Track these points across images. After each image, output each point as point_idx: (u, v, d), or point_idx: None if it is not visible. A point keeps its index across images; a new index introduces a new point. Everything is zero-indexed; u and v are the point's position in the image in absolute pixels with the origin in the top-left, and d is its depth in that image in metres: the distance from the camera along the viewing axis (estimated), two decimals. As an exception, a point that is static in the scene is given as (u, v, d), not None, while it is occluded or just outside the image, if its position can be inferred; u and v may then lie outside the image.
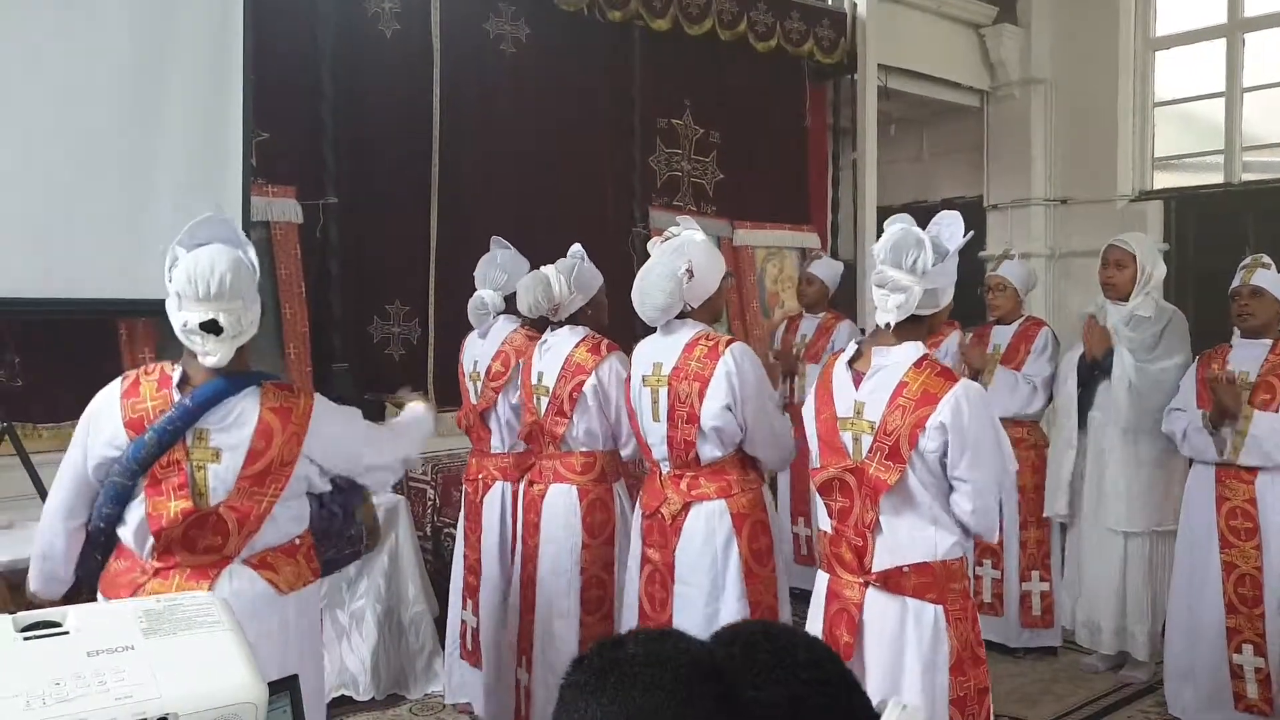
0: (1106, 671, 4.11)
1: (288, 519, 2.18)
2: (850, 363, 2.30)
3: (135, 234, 3.46)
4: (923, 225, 2.26)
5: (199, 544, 2.09)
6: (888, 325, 2.21)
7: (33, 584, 2.24)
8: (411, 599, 3.80)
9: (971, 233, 2.23)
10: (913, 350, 2.20)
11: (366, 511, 2.51)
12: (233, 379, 2.11)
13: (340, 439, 2.24)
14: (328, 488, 2.29)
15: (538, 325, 3.34)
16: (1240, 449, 3.34)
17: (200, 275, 2.02)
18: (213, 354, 2.06)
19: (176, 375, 2.12)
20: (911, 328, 2.22)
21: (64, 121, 3.33)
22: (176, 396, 2.09)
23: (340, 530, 2.40)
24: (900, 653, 2.20)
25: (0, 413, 3.27)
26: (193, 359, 2.10)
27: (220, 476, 2.08)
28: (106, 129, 3.43)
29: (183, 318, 2.05)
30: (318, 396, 2.22)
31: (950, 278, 2.23)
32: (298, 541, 2.21)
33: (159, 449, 2.06)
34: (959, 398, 2.12)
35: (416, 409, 2.69)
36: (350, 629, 3.69)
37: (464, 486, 3.60)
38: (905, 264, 2.15)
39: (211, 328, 2.04)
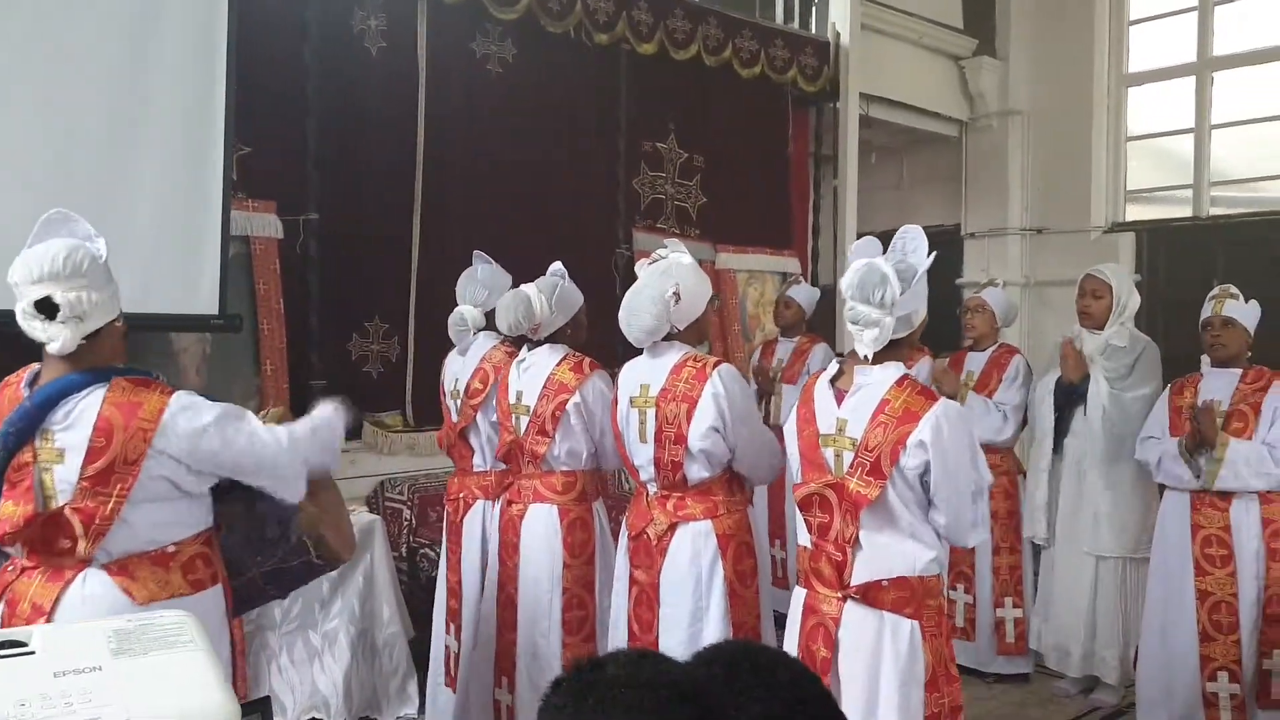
0: (1078, 695, 4.14)
1: (151, 524, 2.06)
2: (832, 381, 2.35)
3: (111, 249, 3.41)
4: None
5: (54, 546, 2.02)
6: (867, 358, 2.26)
7: None
8: (386, 620, 3.76)
9: (934, 253, 2.27)
10: (894, 369, 2.27)
11: (306, 521, 2.33)
12: (82, 375, 2.01)
13: (205, 437, 2.05)
14: (205, 487, 2.14)
15: (518, 342, 3.33)
16: (1216, 476, 3.38)
17: (34, 259, 1.96)
18: (55, 339, 1.96)
19: (28, 375, 2.06)
20: (889, 351, 2.27)
21: (40, 132, 3.29)
22: (25, 395, 2.02)
23: (276, 539, 2.27)
24: (877, 667, 2.21)
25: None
26: (50, 358, 2.03)
27: (65, 478, 1.99)
28: (84, 139, 3.39)
29: (20, 306, 1.96)
30: (182, 393, 2.08)
31: (920, 299, 2.28)
32: (171, 549, 2.08)
33: (4, 452, 2.00)
34: (939, 416, 2.17)
35: (324, 410, 2.37)
36: (323, 650, 3.65)
37: (445, 506, 3.57)
38: (874, 300, 2.20)
39: (46, 307, 1.94)
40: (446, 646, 3.48)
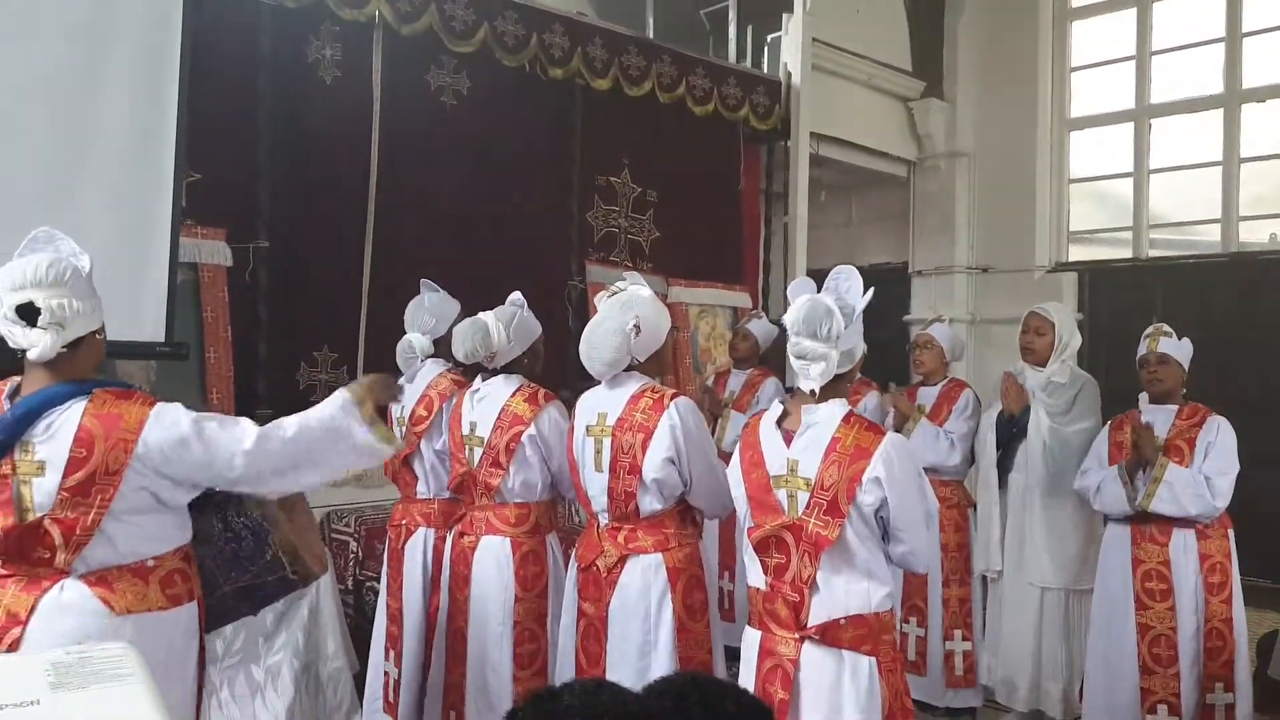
0: (1024, 730, 4.17)
1: (133, 537, 2.07)
2: (778, 422, 2.36)
3: None
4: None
5: (30, 556, 2.02)
6: (813, 392, 2.28)
7: None
8: (331, 654, 3.68)
9: (872, 289, 2.33)
10: (839, 407, 2.29)
11: (282, 537, 2.34)
12: (65, 386, 2.03)
13: (187, 447, 2.05)
14: (185, 499, 2.14)
15: (466, 371, 3.31)
16: (1153, 496, 3.44)
17: (17, 268, 2.00)
18: (35, 344, 1.98)
19: (10, 387, 2.07)
20: (832, 387, 2.31)
21: (-13, 154, 3.24)
22: (5, 407, 2.02)
23: (251, 555, 2.28)
24: (839, 706, 2.21)
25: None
26: (31, 370, 2.04)
27: (45, 490, 2.00)
28: (32, 162, 3.34)
29: (1, 313, 1.98)
30: (162, 405, 2.08)
31: (859, 335, 2.33)
32: (150, 564, 2.09)
33: None
34: (889, 450, 2.21)
35: (330, 409, 2.21)
36: (265, 684, 3.56)
37: (388, 533, 3.53)
38: (821, 334, 2.24)
39: (27, 312, 1.96)
40: (385, 673, 3.43)
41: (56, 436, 2.00)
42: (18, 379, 2.09)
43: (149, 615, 2.06)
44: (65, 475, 1.99)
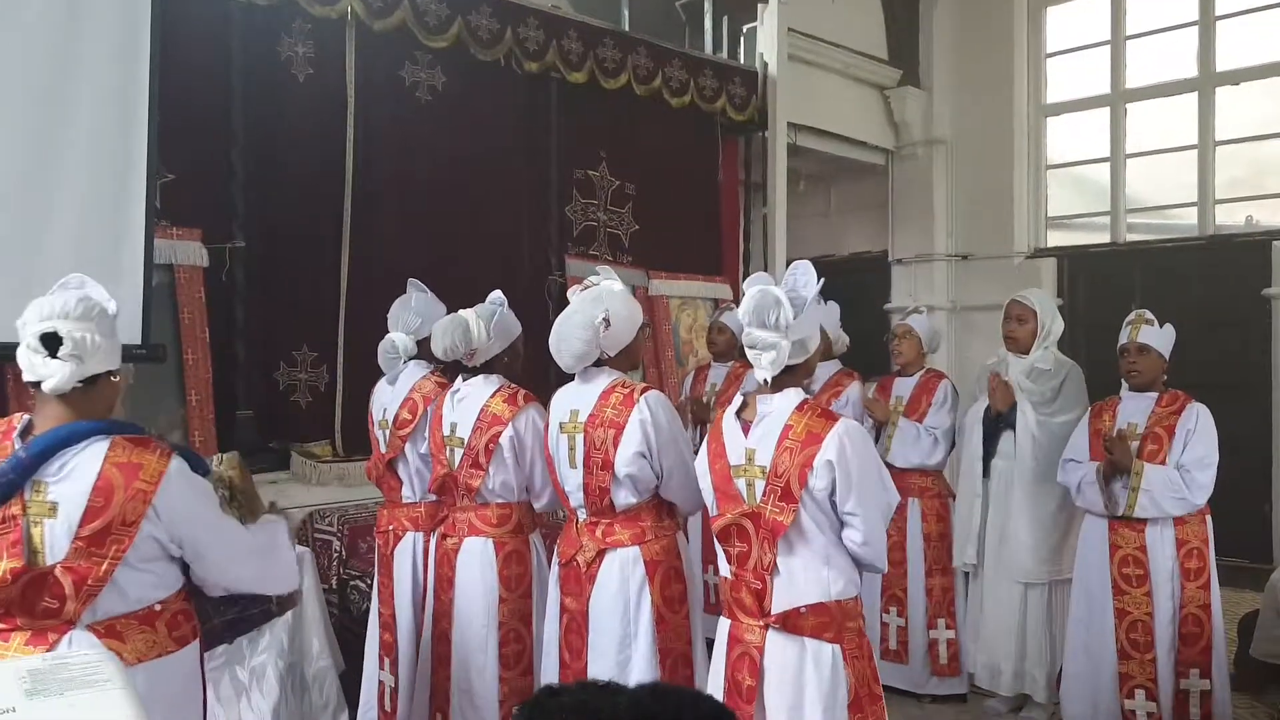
0: (1008, 714, 4.19)
1: (141, 584, 2.03)
2: (738, 414, 2.40)
3: (28, 275, 3.31)
4: (830, 280, 2.37)
5: (36, 606, 1.96)
6: (767, 382, 2.32)
7: None
8: (315, 654, 3.66)
9: (822, 279, 2.36)
10: (794, 395, 2.33)
11: None
12: (78, 426, 1.98)
13: (193, 513, 2.08)
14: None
15: (449, 371, 3.28)
16: (1135, 505, 3.46)
17: (47, 301, 1.99)
18: (53, 375, 1.93)
19: (21, 424, 2.02)
20: (788, 376, 2.33)
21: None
22: (16, 446, 1.97)
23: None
24: (800, 693, 2.24)
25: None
26: (43, 407, 2.00)
27: (56, 533, 1.94)
28: (2, 165, 3.31)
29: (25, 343, 1.95)
30: (179, 461, 2.07)
31: (814, 325, 2.36)
32: (158, 608, 2.06)
33: None
34: (841, 435, 2.23)
35: (279, 531, 2.40)
36: (250, 686, 3.54)
37: (375, 539, 3.51)
38: (769, 323, 2.27)
39: (51, 342, 1.93)
40: (381, 681, 3.41)
41: (71, 478, 1.95)
42: (26, 416, 2.04)
43: (159, 661, 2.04)
44: (82, 524, 1.93)
